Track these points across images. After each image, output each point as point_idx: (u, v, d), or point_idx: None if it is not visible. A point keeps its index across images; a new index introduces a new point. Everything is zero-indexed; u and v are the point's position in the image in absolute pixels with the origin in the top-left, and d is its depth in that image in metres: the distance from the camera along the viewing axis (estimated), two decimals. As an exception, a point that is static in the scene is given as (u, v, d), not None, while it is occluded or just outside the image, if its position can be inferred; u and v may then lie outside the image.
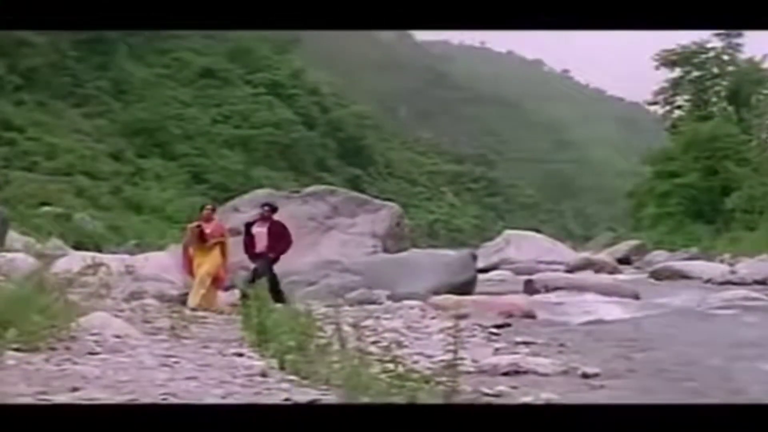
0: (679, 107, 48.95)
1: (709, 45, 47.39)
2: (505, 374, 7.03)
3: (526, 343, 8.97)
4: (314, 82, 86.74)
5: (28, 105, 55.99)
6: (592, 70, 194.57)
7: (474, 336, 9.54)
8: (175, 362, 5.88)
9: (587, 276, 19.00)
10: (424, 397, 4.95)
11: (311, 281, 14.14)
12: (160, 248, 29.21)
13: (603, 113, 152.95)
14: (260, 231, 12.13)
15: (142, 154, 61.19)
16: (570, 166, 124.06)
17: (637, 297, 15.86)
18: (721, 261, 27.88)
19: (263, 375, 5.54)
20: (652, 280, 21.79)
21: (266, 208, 12.57)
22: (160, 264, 13.37)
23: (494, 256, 30.26)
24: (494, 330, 10.08)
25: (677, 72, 47.83)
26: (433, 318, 11.26)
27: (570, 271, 24.01)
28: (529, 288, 16.67)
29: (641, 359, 8.20)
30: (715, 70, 47.68)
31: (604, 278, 19.57)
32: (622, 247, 37.32)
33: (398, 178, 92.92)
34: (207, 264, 11.20)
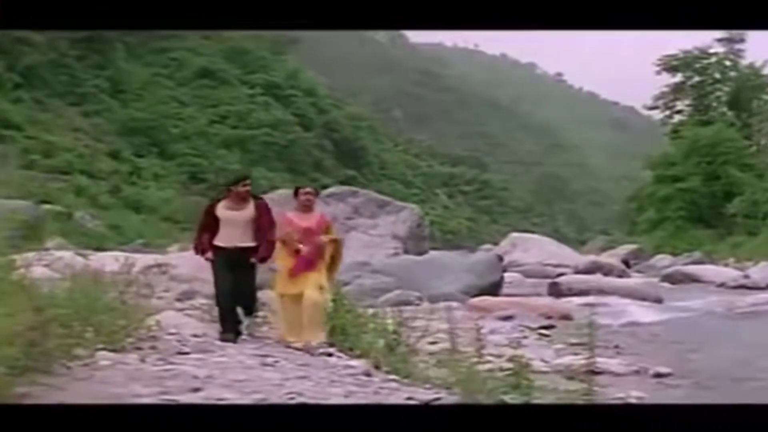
0: (679, 112, 49.18)
1: (711, 50, 47.91)
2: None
3: (581, 344, 9.08)
4: (310, 83, 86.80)
5: (27, 103, 55.78)
6: (586, 74, 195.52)
7: (526, 337, 9.69)
8: (276, 362, 5.95)
9: (610, 279, 19.16)
10: (539, 397, 5.11)
11: (345, 281, 14.19)
12: (162, 247, 29.22)
13: (596, 117, 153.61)
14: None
15: (140, 154, 60.99)
16: (563, 169, 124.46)
17: (659, 300, 16.06)
18: (725, 265, 28.15)
19: (367, 375, 5.65)
20: (666, 284, 21.96)
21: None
22: (196, 264, 13.34)
23: (502, 258, 30.35)
24: (543, 331, 10.21)
25: (678, 77, 48.18)
26: (478, 319, 11.37)
27: (580, 273, 24.13)
28: (555, 290, 16.78)
29: (700, 360, 8.38)
30: (717, 76, 48.02)
31: (627, 281, 19.76)
32: (620, 251, 37.55)
33: (392, 180, 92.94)
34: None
